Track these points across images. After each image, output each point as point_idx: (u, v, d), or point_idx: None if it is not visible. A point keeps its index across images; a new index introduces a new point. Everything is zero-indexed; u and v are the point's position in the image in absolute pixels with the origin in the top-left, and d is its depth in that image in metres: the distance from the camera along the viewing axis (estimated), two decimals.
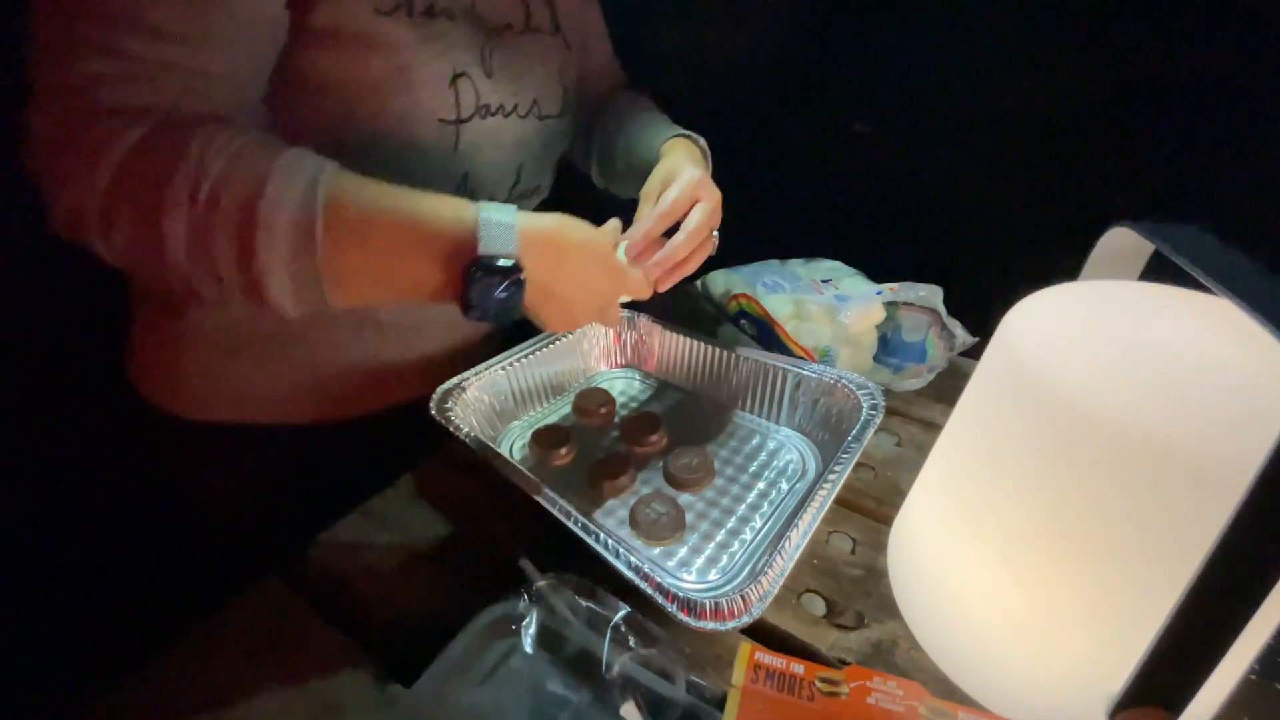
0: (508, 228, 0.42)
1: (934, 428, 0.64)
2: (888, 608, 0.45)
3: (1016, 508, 0.33)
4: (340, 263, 0.39)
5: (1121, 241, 0.35)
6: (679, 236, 0.54)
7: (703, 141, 0.66)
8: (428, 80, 0.49)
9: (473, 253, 0.41)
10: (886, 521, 0.53)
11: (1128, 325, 0.31)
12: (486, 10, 0.55)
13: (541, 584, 0.42)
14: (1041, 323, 0.33)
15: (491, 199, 0.54)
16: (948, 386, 0.69)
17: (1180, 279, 0.35)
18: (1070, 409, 0.29)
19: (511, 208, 0.44)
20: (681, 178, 0.55)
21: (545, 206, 0.71)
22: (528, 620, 0.41)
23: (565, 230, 0.47)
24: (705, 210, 0.55)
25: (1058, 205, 0.76)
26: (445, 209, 0.42)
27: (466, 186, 0.56)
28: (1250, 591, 0.26)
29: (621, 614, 0.39)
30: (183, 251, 0.37)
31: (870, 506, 0.54)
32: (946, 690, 0.40)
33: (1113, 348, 0.30)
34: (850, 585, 0.47)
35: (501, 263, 0.42)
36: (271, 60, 0.45)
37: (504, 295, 0.42)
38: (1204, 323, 0.31)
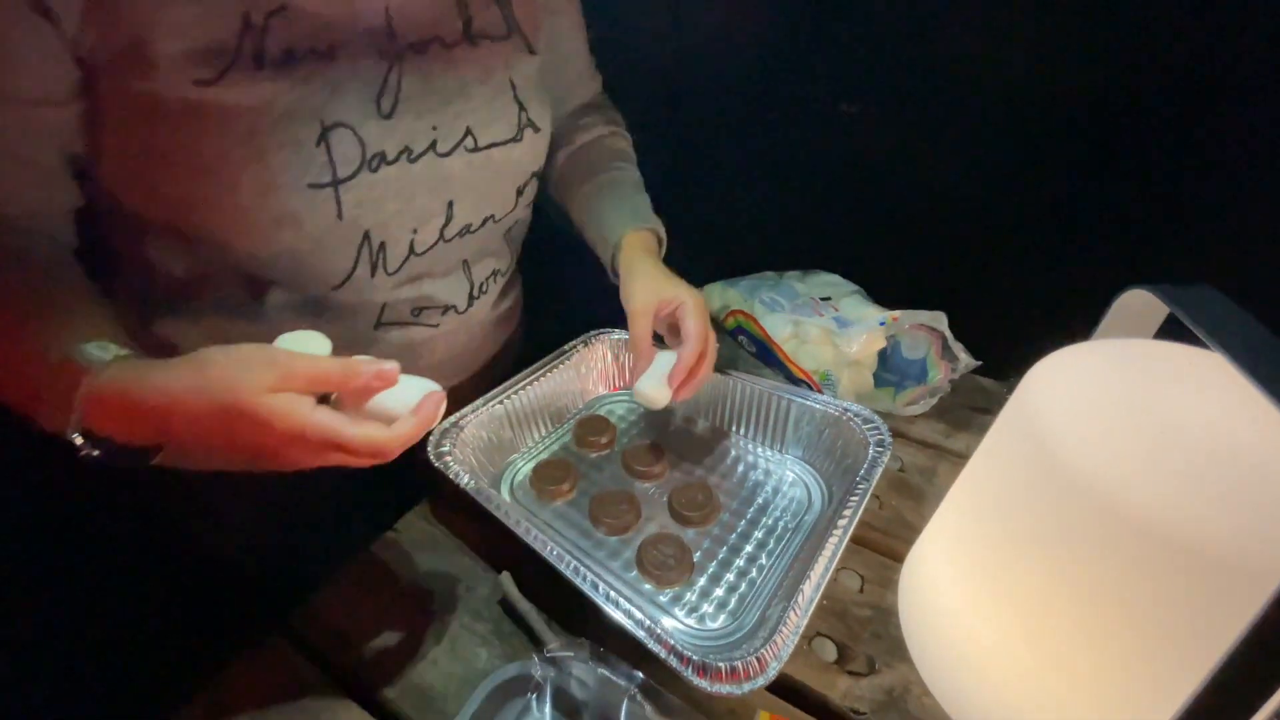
0: (109, 404, 0.36)
1: (937, 451, 0.64)
2: (898, 650, 0.46)
3: (1032, 579, 0.33)
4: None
5: (1138, 301, 0.35)
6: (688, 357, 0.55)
7: (662, 231, 0.65)
8: (283, 144, 0.43)
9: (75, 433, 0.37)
10: (893, 555, 0.53)
11: (1151, 397, 0.31)
12: (402, 26, 0.48)
13: (554, 644, 0.42)
14: (1063, 391, 0.32)
15: (412, 251, 0.52)
16: (950, 405, 0.69)
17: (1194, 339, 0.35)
18: (1094, 496, 0.29)
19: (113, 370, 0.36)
20: (688, 316, 0.55)
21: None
22: (542, 683, 0.41)
23: (173, 387, 0.35)
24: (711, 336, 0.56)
25: (1063, 233, 0.75)
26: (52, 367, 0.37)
27: (369, 246, 0.50)
28: (1267, 687, 0.26)
29: (637, 682, 0.38)
30: None
31: (877, 539, 0.55)
32: None
33: (1137, 426, 0.30)
34: (859, 626, 0.48)
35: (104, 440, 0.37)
36: (66, 171, 0.43)
37: (125, 457, 0.38)
38: (1226, 393, 0.31)
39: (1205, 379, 0.31)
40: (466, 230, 0.56)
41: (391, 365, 0.38)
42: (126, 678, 0.52)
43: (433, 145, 0.50)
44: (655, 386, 0.56)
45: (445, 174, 0.52)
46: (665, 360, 0.57)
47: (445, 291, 0.57)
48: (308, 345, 0.39)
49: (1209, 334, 0.28)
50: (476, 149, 0.53)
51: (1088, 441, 0.30)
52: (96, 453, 0.37)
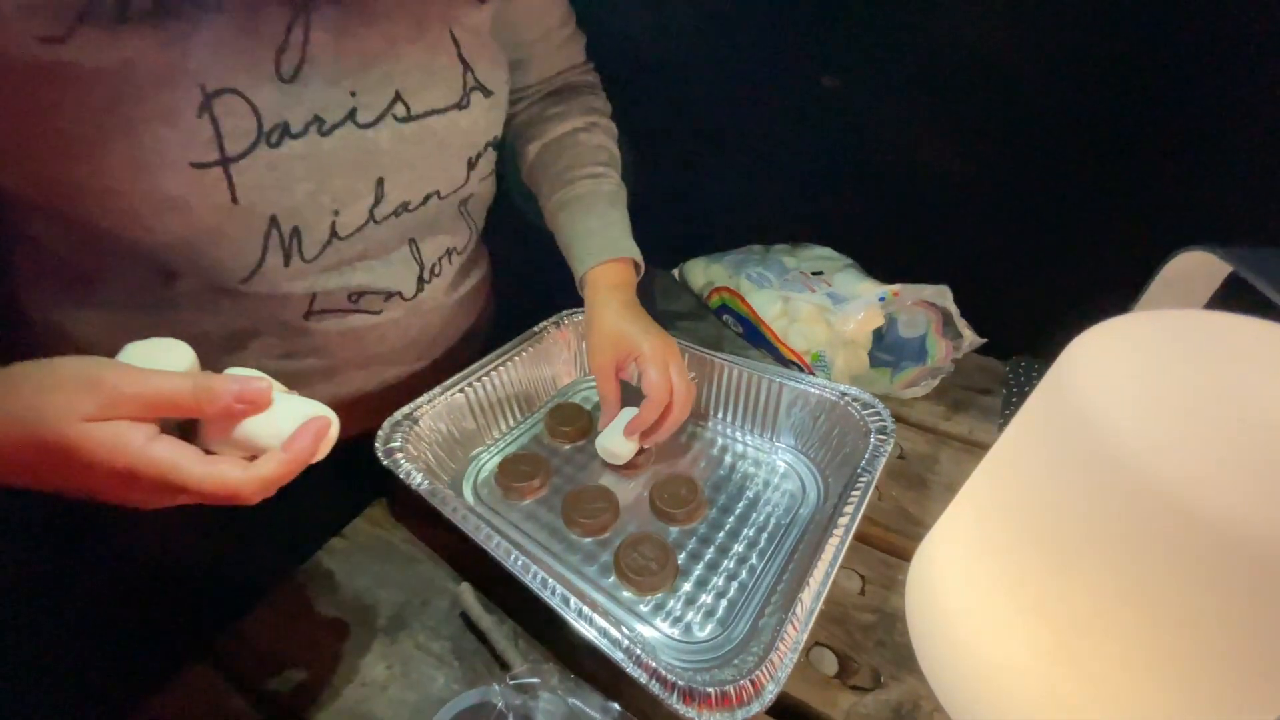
0: None
1: (937, 435, 0.60)
2: (904, 660, 0.41)
3: (1072, 586, 0.28)
4: None
5: (1192, 266, 0.30)
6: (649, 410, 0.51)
7: (638, 256, 0.59)
8: (154, 115, 0.35)
9: None
10: (895, 552, 0.48)
11: (1218, 377, 0.26)
12: None
13: (519, 669, 0.36)
14: (1112, 370, 0.27)
15: (335, 235, 0.44)
16: (949, 386, 0.64)
17: (1255, 310, 0.30)
18: (1156, 493, 0.24)
19: None
20: (647, 368, 0.51)
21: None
22: (505, 714, 0.35)
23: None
24: (678, 379, 0.52)
25: (1077, 190, 0.70)
26: None
27: (279, 233, 0.42)
28: None
29: (612, 716, 0.33)
30: None
31: (878, 535, 0.50)
32: None
33: (1203, 411, 0.25)
34: (862, 634, 0.43)
35: None
36: None
37: None
38: None
39: (1276, 352, 0.27)
40: (404, 209, 0.48)
41: (259, 385, 0.32)
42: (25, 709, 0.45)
43: (351, 115, 0.42)
44: (616, 441, 0.53)
45: (370, 148, 0.44)
46: (629, 415, 0.54)
47: (387, 275, 0.50)
48: (160, 359, 0.32)
49: None
50: (409, 118, 0.45)
51: (1146, 427, 0.25)
52: None
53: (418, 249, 0.52)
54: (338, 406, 0.37)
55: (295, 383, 0.37)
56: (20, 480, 0.29)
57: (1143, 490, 0.24)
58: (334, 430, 0.34)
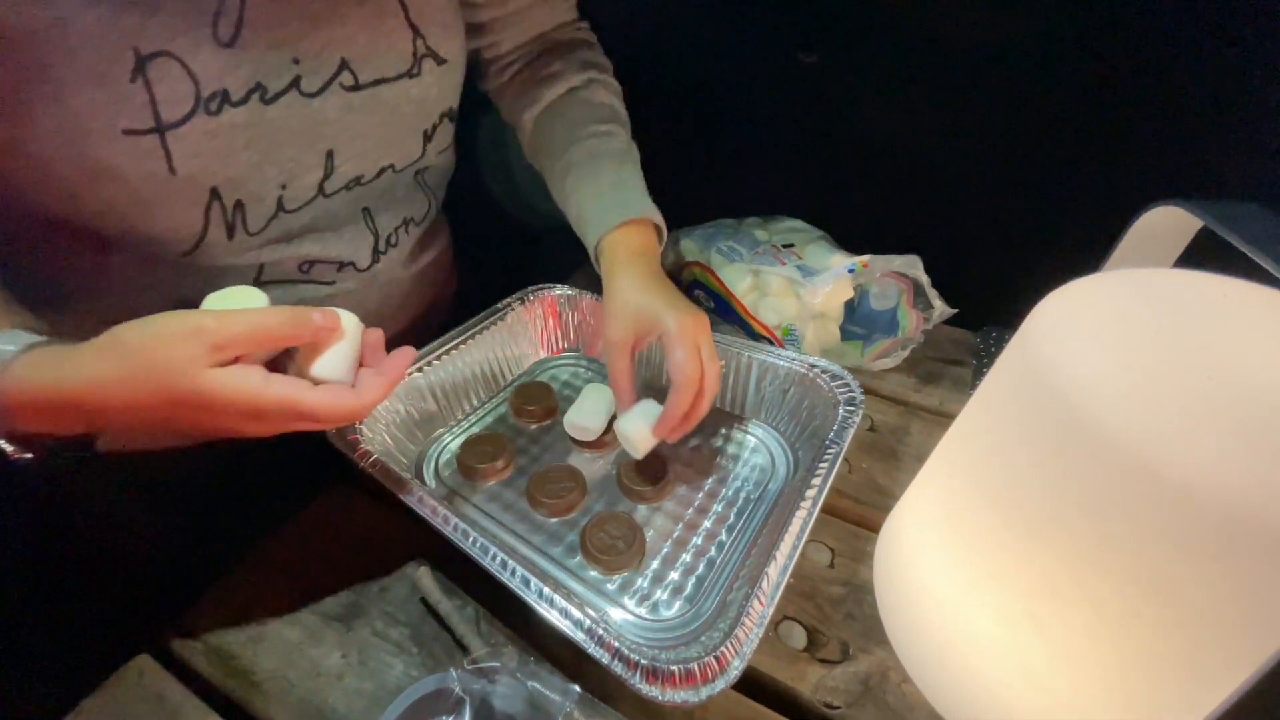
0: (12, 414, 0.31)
1: (908, 407, 0.59)
2: (873, 632, 0.41)
3: (1038, 553, 0.28)
4: None
5: (1162, 222, 0.29)
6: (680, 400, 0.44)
7: (658, 217, 0.52)
8: (85, 79, 0.33)
9: None
10: (865, 524, 0.48)
11: (1188, 337, 0.25)
12: None
13: (479, 654, 0.35)
14: (1079, 331, 0.26)
15: (281, 209, 0.42)
16: (920, 358, 0.64)
17: (1224, 265, 0.29)
18: (1123, 456, 0.23)
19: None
20: (674, 349, 0.44)
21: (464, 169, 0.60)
22: (463, 698, 0.34)
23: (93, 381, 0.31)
24: (709, 363, 0.44)
25: (1044, 157, 0.69)
26: None
27: (221, 205, 0.40)
28: None
29: (573, 698, 0.32)
30: None
31: (847, 507, 0.49)
32: None
33: (1173, 372, 0.24)
34: (831, 607, 0.42)
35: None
36: None
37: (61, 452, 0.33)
38: (1275, 332, 0.26)
39: (1251, 316, 0.26)
40: (356, 183, 0.46)
41: (333, 310, 0.34)
42: None
43: (295, 83, 0.40)
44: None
45: (317, 118, 0.42)
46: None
47: (339, 246, 0.48)
48: (243, 303, 0.35)
49: (1261, 251, 0.22)
50: (357, 86, 0.43)
51: (1112, 388, 0.24)
52: (29, 455, 0.33)
53: (372, 219, 0.50)
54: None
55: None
56: (155, 436, 0.32)
57: (1109, 453, 0.23)
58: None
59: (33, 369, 0.31)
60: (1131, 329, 0.26)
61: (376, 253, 0.51)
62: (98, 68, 0.33)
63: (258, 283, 0.45)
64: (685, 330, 0.44)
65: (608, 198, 0.52)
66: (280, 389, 0.32)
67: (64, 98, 0.33)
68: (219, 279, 0.43)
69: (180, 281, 0.42)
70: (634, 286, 0.48)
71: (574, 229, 0.55)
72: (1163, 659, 0.24)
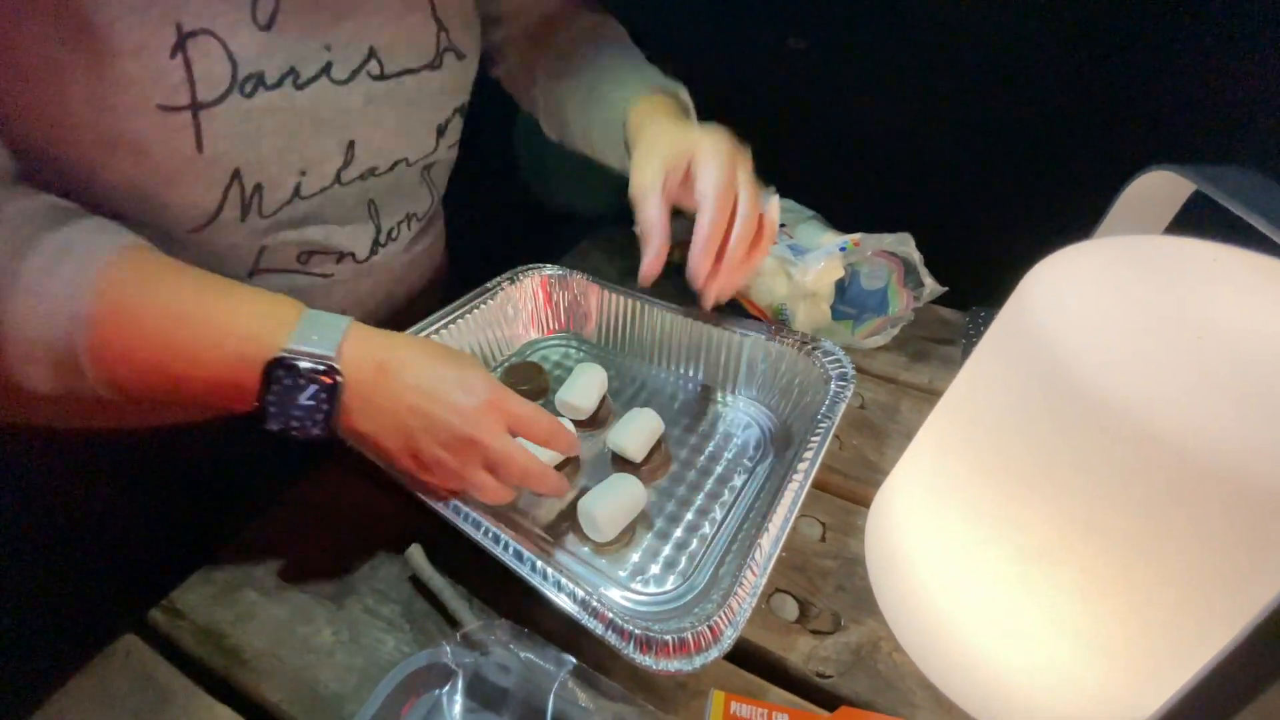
0: (332, 328, 0.35)
1: (897, 385, 0.60)
2: (864, 603, 0.41)
3: (1029, 518, 0.28)
4: (112, 378, 0.34)
5: (1153, 188, 0.29)
6: (732, 234, 0.42)
7: (684, 93, 0.52)
8: (124, 50, 0.33)
9: (274, 350, 0.34)
10: (856, 499, 0.48)
11: (1180, 300, 0.26)
12: None
13: (472, 628, 0.35)
14: (1069, 294, 0.27)
15: (297, 195, 0.42)
16: (910, 337, 0.64)
17: (1213, 231, 0.30)
18: (1115, 417, 0.23)
19: (346, 318, 0.36)
20: (701, 168, 0.41)
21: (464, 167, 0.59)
22: (456, 671, 0.34)
23: (413, 351, 0.37)
24: (746, 188, 0.42)
25: (1030, 134, 0.70)
26: (253, 307, 0.36)
27: (240, 187, 0.40)
28: None
29: (567, 668, 0.32)
30: None
31: (838, 483, 0.50)
32: (934, 698, 0.36)
33: (1166, 333, 0.24)
34: (822, 579, 0.43)
35: (306, 363, 0.34)
36: None
37: (310, 402, 0.34)
38: (1268, 296, 0.26)
39: (1242, 280, 0.26)
40: (370, 174, 0.47)
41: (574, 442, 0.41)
42: None
43: (326, 69, 0.40)
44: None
45: (343, 106, 0.42)
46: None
47: (340, 237, 0.48)
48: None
49: (1256, 213, 0.22)
50: (383, 76, 0.44)
51: (1106, 351, 0.24)
52: (314, 387, 0.34)
53: (376, 212, 0.50)
54: None
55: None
56: (438, 456, 0.36)
57: (1099, 413, 0.23)
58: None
59: (374, 372, 0.35)
60: (1124, 293, 0.26)
61: (376, 245, 0.51)
62: (137, 39, 0.33)
63: (255, 269, 0.44)
64: (720, 148, 0.42)
65: (631, 78, 0.53)
66: (526, 460, 0.38)
67: (99, 67, 0.33)
68: (217, 259, 0.42)
69: (176, 255, 0.42)
70: (664, 128, 0.45)
71: (595, 134, 0.54)
72: (1152, 617, 0.25)
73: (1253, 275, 0.26)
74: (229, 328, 0.34)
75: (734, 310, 0.65)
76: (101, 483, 0.47)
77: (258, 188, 0.40)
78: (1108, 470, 0.24)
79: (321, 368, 0.34)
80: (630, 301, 0.59)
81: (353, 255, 0.49)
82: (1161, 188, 0.29)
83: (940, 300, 0.62)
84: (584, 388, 0.52)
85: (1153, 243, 0.28)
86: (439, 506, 0.39)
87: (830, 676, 0.37)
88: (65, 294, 0.31)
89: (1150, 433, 0.22)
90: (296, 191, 0.43)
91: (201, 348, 0.34)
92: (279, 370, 0.33)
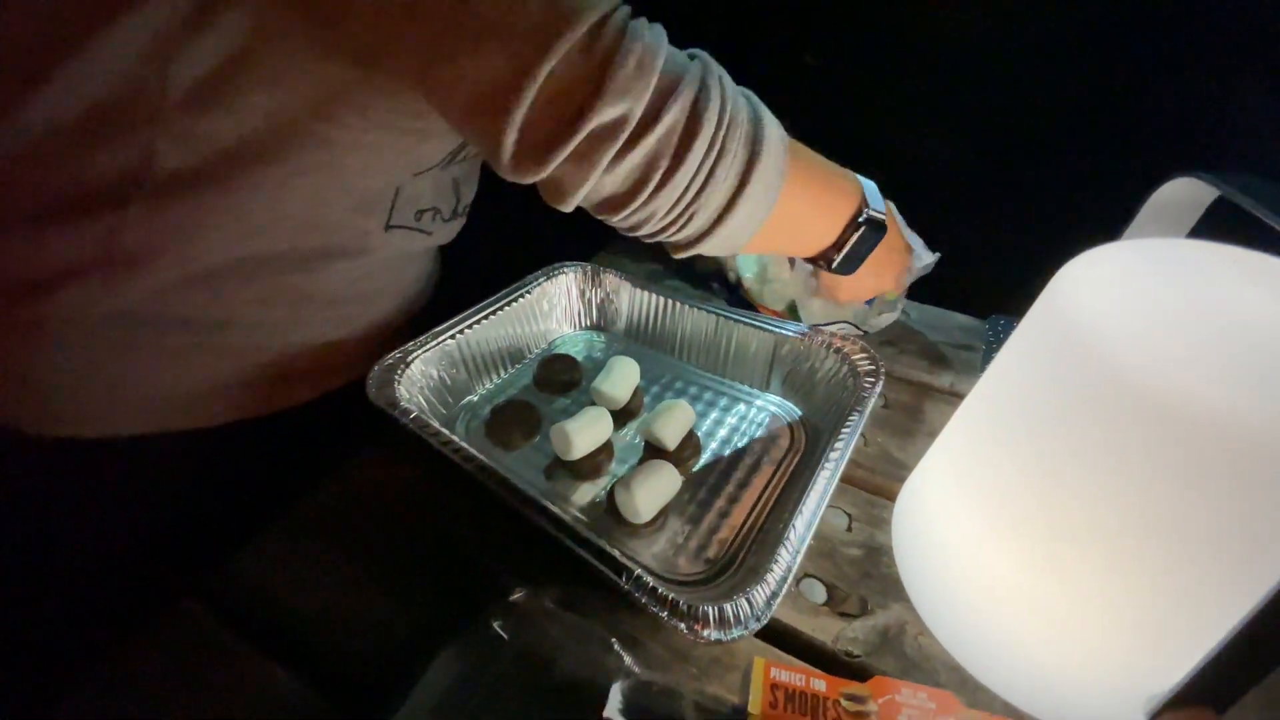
0: (876, 192, 0.49)
1: (921, 387, 0.61)
2: (891, 589, 0.43)
3: (1062, 501, 0.30)
4: (784, 207, 0.43)
5: (1177, 195, 0.31)
6: None
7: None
8: (362, 168, 0.45)
9: (861, 208, 0.47)
10: (880, 493, 0.50)
11: (1209, 297, 0.27)
12: None
13: (518, 597, 0.37)
14: (1101, 286, 0.28)
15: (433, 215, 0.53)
16: (932, 342, 0.66)
17: (1234, 237, 0.31)
18: (1143, 394, 0.25)
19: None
20: None
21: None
22: (503, 635, 0.36)
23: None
24: None
25: (1049, 149, 0.72)
26: (833, 168, 0.48)
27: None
28: None
29: (615, 629, 0.34)
30: (691, 173, 0.37)
31: (863, 477, 0.51)
32: (960, 679, 0.37)
33: (1195, 324, 0.26)
34: (850, 566, 0.44)
35: (880, 218, 0.47)
36: None
37: (868, 250, 0.49)
38: None
39: (1271, 282, 0.28)
40: (464, 214, 0.60)
41: None
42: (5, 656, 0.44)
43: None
44: (617, 389, 0.54)
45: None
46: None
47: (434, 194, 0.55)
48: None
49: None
50: None
51: (1140, 338, 0.26)
52: (877, 239, 0.49)
53: (459, 189, 0.58)
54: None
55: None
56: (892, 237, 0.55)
57: (1129, 394, 0.25)
58: None
59: None
60: (1155, 286, 0.28)
61: (455, 214, 0.59)
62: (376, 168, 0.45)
63: (389, 227, 0.52)
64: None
65: None
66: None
67: (340, 169, 0.44)
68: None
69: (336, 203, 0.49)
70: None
71: None
72: (1179, 592, 0.26)
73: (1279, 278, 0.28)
74: (840, 179, 0.49)
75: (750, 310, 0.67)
76: (151, 458, 0.49)
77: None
78: (1139, 449, 0.25)
79: (883, 220, 0.48)
80: (659, 299, 0.62)
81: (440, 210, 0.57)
82: (1186, 195, 0.31)
83: (962, 309, 0.64)
84: (618, 378, 0.54)
85: (1181, 245, 0.30)
86: (483, 477, 0.41)
87: (858, 656, 0.39)
88: (778, 125, 0.43)
89: (1176, 411, 0.24)
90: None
91: (832, 183, 0.48)
92: (865, 225, 0.48)
